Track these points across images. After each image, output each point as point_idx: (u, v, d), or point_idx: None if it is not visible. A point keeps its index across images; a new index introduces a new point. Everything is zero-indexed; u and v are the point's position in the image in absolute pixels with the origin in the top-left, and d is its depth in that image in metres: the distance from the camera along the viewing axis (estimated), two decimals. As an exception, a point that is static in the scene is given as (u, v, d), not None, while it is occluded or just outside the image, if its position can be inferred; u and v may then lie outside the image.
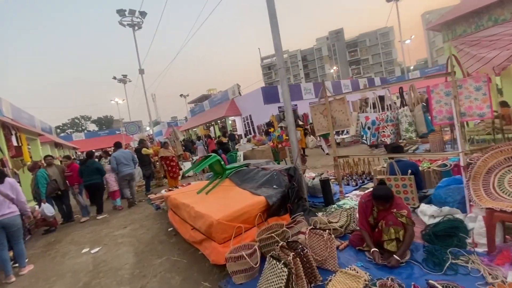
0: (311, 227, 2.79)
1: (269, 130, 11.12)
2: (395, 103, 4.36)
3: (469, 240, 2.48)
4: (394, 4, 28.68)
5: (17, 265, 3.82)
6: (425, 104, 3.54)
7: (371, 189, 2.83)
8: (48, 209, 5.31)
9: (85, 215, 6.14)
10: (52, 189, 5.68)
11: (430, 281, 1.99)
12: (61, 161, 10.17)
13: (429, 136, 5.80)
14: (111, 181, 6.63)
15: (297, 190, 3.71)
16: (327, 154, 9.80)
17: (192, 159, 10.91)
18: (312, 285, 2.26)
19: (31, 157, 8.83)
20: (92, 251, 4.18)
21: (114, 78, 27.26)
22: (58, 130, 45.17)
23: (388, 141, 3.66)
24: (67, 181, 6.09)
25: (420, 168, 3.98)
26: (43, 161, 7.01)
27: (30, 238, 5.39)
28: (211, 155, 4.68)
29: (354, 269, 2.32)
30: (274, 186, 3.70)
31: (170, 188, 6.56)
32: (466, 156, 2.94)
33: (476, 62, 4.95)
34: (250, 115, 19.04)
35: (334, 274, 2.32)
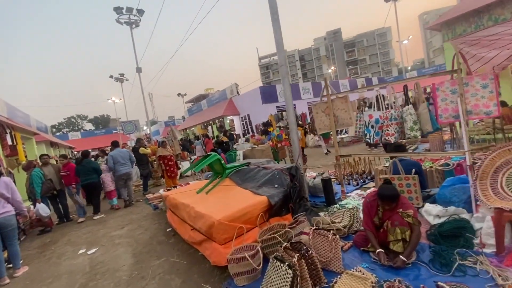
0: (314, 227, 2.73)
1: (268, 130, 11.07)
2: (394, 103, 4.31)
3: (476, 241, 2.43)
4: (392, 4, 28.79)
5: (11, 266, 3.72)
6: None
7: (373, 188, 2.78)
8: (43, 209, 5.20)
9: (82, 215, 6.02)
10: (48, 189, 5.58)
11: (439, 283, 1.94)
12: (57, 161, 10.02)
13: (429, 135, 5.78)
14: (107, 181, 6.53)
15: (299, 190, 3.65)
16: (326, 153, 9.77)
17: (190, 159, 10.83)
18: (317, 287, 2.20)
19: (26, 156, 8.70)
20: (89, 252, 4.08)
21: (111, 77, 27.09)
22: (54, 129, 44.84)
23: (392, 139, 3.60)
24: (63, 181, 5.97)
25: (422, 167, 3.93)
26: (38, 160, 6.89)
27: (25, 238, 5.27)
28: (210, 154, 4.60)
29: (360, 271, 2.26)
30: (276, 186, 3.63)
31: (168, 188, 6.48)
32: (470, 155, 2.89)
33: (476, 62, 4.92)
34: (248, 115, 18.94)
35: (339, 276, 2.26)
